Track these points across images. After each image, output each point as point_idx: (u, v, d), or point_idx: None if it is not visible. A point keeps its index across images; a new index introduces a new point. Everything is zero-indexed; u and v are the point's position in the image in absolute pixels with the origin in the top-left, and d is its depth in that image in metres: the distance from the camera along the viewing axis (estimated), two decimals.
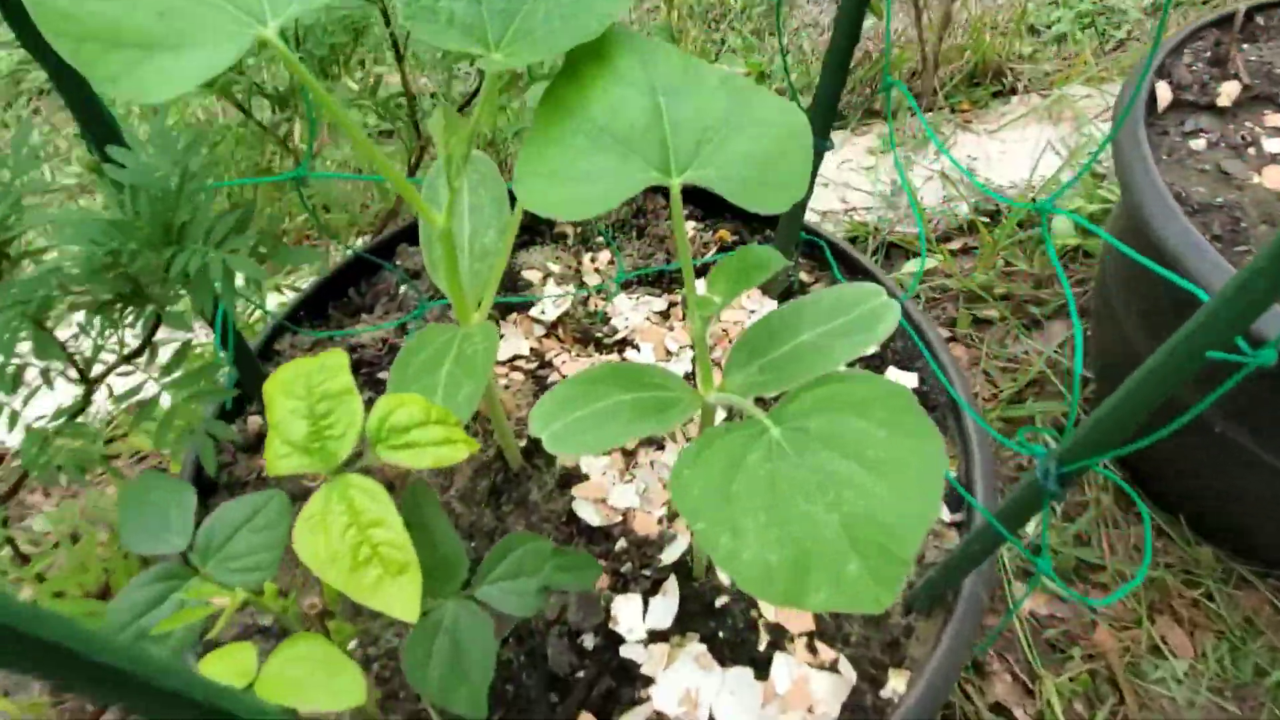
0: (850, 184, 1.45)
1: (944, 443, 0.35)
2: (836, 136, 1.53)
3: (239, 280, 0.51)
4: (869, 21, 1.52)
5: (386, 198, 1.47)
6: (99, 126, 0.53)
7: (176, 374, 0.58)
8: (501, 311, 0.85)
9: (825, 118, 0.68)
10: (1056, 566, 1.06)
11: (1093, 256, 1.29)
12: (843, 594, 0.32)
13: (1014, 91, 1.58)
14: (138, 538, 0.46)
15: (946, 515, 0.68)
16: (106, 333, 0.60)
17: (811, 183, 0.74)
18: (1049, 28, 1.73)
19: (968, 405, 0.70)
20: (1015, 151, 1.46)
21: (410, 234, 0.92)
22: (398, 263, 0.89)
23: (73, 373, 0.60)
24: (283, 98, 0.93)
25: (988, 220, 1.36)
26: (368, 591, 0.40)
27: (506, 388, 0.79)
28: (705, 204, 0.92)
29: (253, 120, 0.87)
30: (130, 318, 0.57)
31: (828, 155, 1.49)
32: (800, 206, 0.78)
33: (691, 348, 0.80)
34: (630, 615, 0.63)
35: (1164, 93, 0.92)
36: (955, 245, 1.36)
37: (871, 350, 0.48)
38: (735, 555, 0.33)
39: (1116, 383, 0.47)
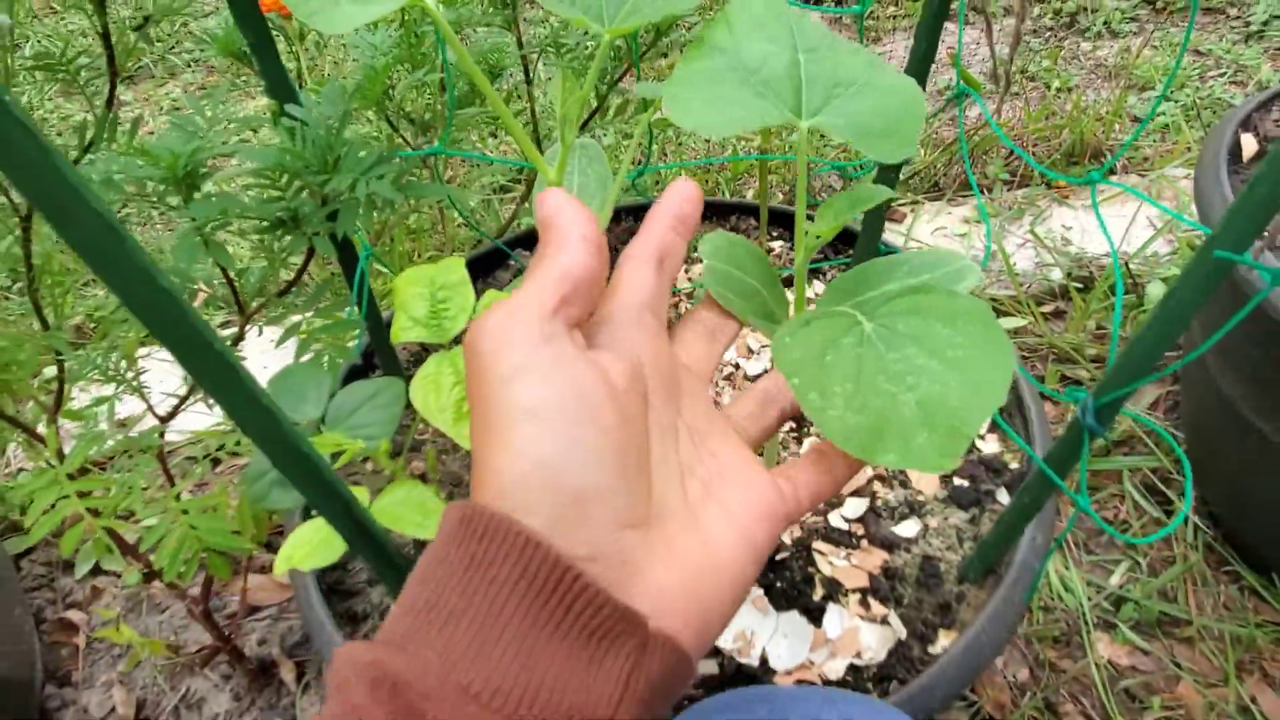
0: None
1: (1015, 355, 0.40)
2: (932, 207, 1.59)
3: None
4: (970, 111, 1.60)
5: (499, 218, 1.61)
6: (282, 89, 0.65)
7: (320, 305, 0.67)
8: None
9: None
10: (1139, 619, 1.03)
11: None
12: (911, 456, 0.36)
13: (1112, 172, 1.61)
14: (283, 406, 0.54)
15: (1005, 498, 0.70)
16: (268, 275, 0.70)
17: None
18: (1153, 119, 1.77)
19: (1024, 372, 0.73)
20: (1112, 225, 1.48)
21: (518, 242, 1.02)
22: (509, 263, 0.99)
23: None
24: (425, 124, 1.06)
25: (1080, 286, 1.38)
26: (466, 439, 0.47)
27: None
28: (791, 227, 0.99)
29: (399, 135, 1.00)
30: (286, 254, 0.67)
31: (922, 220, 1.55)
32: (880, 221, 0.83)
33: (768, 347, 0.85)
34: None
35: (1249, 144, 0.95)
36: (1048, 309, 1.38)
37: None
38: (822, 410, 0.37)
39: (1209, 441, 0.50)
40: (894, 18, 2.31)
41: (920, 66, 0.71)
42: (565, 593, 0.30)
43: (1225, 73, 1.89)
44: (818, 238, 0.52)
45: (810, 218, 0.53)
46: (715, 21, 0.52)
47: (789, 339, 0.41)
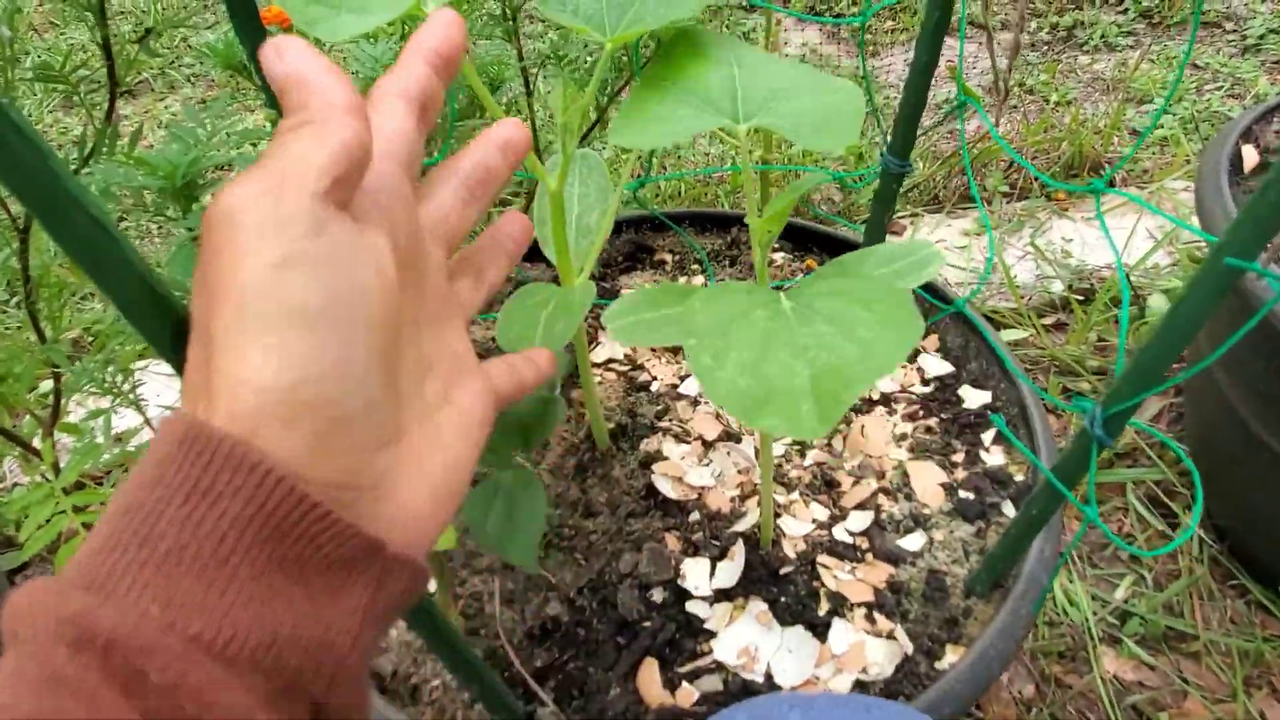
0: (945, 261, 1.49)
1: (921, 335, 0.39)
2: (931, 220, 1.59)
3: None
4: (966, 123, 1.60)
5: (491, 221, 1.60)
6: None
7: None
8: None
9: (906, 136, 0.74)
10: (1145, 634, 1.02)
11: None
12: (789, 424, 0.36)
13: (1111, 184, 1.61)
14: None
15: (1011, 511, 0.70)
16: None
17: (893, 207, 0.80)
18: (1151, 132, 1.77)
19: (1020, 374, 0.72)
20: (1112, 237, 1.48)
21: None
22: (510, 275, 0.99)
23: None
24: (425, 138, 1.06)
25: (1081, 298, 1.38)
26: None
27: (600, 384, 0.86)
28: (794, 239, 0.99)
29: None
30: None
31: (922, 232, 1.55)
32: (881, 234, 0.83)
33: None
34: (698, 575, 0.67)
35: (1250, 155, 0.95)
36: (1049, 321, 1.38)
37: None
38: (711, 372, 0.38)
39: (1215, 453, 0.50)
40: (891, 32, 2.32)
41: (921, 78, 0.71)
42: (308, 529, 0.27)
43: (1223, 86, 1.90)
44: (769, 231, 0.52)
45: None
46: (654, 58, 0.54)
47: (699, 304, 0.42)
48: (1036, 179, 1.58)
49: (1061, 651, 1.02)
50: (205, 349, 0.28)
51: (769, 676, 0.61)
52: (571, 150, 0.58)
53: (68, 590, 0.25)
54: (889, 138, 0.76)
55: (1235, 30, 2.11)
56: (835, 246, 0.96)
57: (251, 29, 0.63)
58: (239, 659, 0.25)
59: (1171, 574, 1.08)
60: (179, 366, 0.32)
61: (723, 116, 0.51)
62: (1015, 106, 1.83)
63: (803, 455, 0.77)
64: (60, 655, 0.23)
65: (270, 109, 0.68)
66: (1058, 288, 1.40)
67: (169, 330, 0.33)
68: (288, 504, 0.26)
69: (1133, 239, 1.44)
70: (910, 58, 0.70)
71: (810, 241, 0.98)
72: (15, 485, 1.37)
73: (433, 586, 0.65)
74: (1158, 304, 1.30)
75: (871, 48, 2.24)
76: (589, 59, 1.00)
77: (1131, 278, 1.36)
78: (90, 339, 1.54)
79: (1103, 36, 2.14)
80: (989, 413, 0.78)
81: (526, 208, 1.19)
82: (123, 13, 2.51)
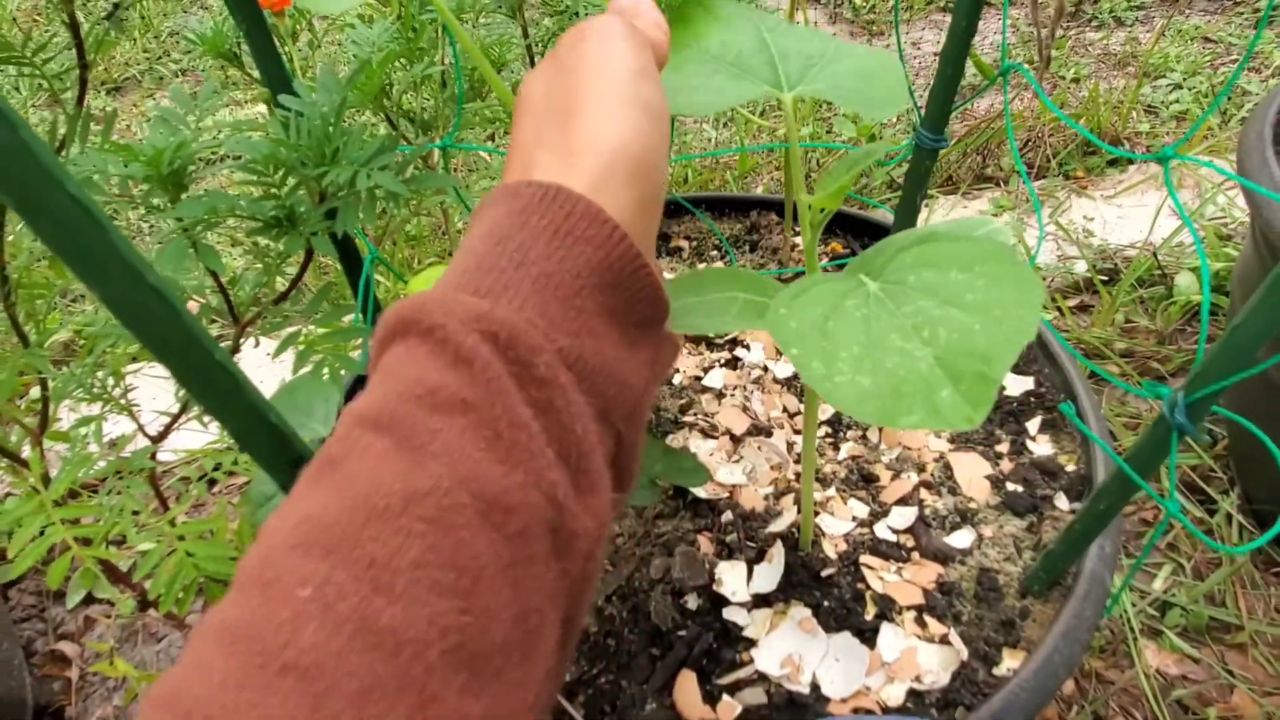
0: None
1: (1044, 289, 0.35)
2: (947, 201, 1.54)
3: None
4: (981, 102, 1.55)
5: None
6: (278, 80, 0.60)
7: (319, 313, 0.62)
8: None
9: (941, 109, 0.70)
10: (1187, 625, 0.98)
11: (1221, 310, 1.24)
12: (935, 415, 0.32)
13: (1131, 161, 1.57)
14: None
15: (1065, 504, 0.66)
16: (262, 281, 0.65)
17: (925, 186, 0.75)
18: (1167, 107, 1.73)
19: (1068, 344, 0.68)
20: (1134, 215, 1.44)
21: None
22: None
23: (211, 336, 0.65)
24: (427, 124, 1.01)
25: (1106, 279, 1.34)
26: None
27: None
28: None
29: (401, 135, 0.95)
30: (282, 258, 0.62)
31: (937, 215, 1.50)
32: (913, 217, 0.79)
33: None
34: (734, 579, 0.63)
35: None
36: (1073, 303, 1.34)
37: None
38: (828, 379, 0.33)
39: (1253, 438, 0.46)
40: (892, 11, 2.27)
41: (959, 45, 0.66)
42: (633, 284, 0.33)
43: (1238, 59, 1.85)
44: (821, 210, 0.47)
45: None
46: (672, 24, 0.50)
47: (784, 310, 0.37)
48: (1055, 157, 1.54)
49: (1101, 646, 0.98)
50: (561, 122, 0.35)
51: (815, 687, 0.57)
52: None
53: (464, 295, 0.30)
54: (922, 111, 0.71)
55: (1248, 2, 2.06)
56: (861, 229, 0.92)
57: (245, 6, 0.59)
58: (583, 376, 0.31)
59: (1211, 562, 1.04)
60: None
61: (764, 84, 0.47)
62: (1026, 85, 1.79)
63: (837, 448, 0.73)
64: (472, 339, 0.28)
65: (267, 89, 0.63)
66: (1081, 268, 1.36)
67: (163, 327, 0.28)
68: (626, 257, 0.33)
69: (1158, 217, 1.40)
70: (914, 38, 0.66)
71: (834, 227, 0.93)
72: (8, 495, 1.32)
73: None
74: (1186, 283, 1.26)
75: (874, 28, 2.19)
76: None
77: (1159, 256, 1.31)
78: (82, 341, 1.49)
79: (1112, 12, 2.09)
80: (1035, 400, 0.74)
81: None
82: (107, 6, 2.45)
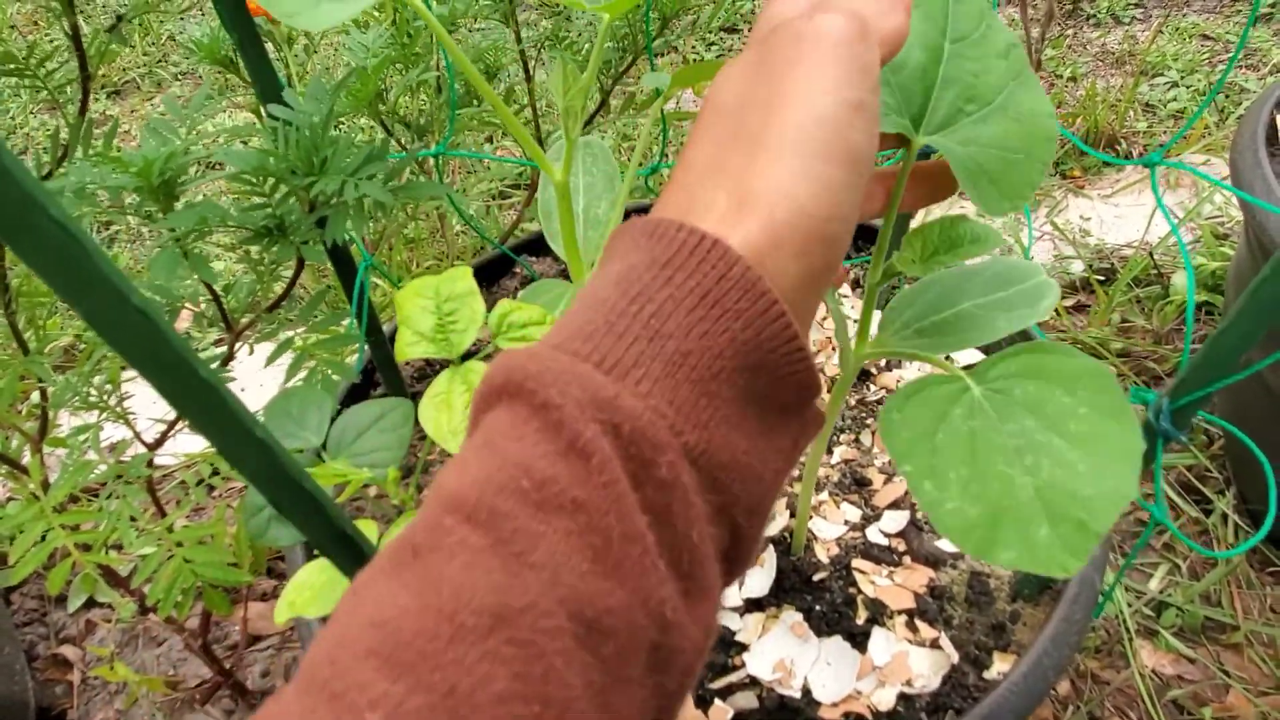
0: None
1: (1142, 437, 0.34)
2: (946, 200, 1.54)
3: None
4: None
5: (499, 225, 1.57)
6: (271, 90, 0.61)
7: (314, 318, 0.63)
8: None
9: None
10: (1182, 625, 0.99)
11: (1216, 309, 1.24)
12: (1031, 555, 0.32)
13: (1128, 158, 1.57)
14: (279, 434, 0.50)
15: None
16: (255, 289, 0.66)
17: None
18: (1165, 105, 1.73)
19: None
20: (1131, 215, 1.44)
21: (523, 248, 0.97)
22: (515, 270, 0.95)
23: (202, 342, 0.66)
24: (422, 129, 1.01)
25: (1102, 279, 1.34)
26: None
27: None
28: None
29: (395, 140, 0.95)
30: (274, 265, 0.62)
31: (936, 213, 1.50)
32: (906, 222, 0.79)
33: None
34: None
35: None
36: (1069, 303, 1.34)
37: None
38: (939, 504, 0.34)
39: (1251, 437, 0.47)
40: None
41: None
42: (782, 368, 0.29)
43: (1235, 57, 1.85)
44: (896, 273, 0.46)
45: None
46: None
47: (897, 415, 0.37)
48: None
49: (1096, 646, 0.98)
50: (746, 151, 0.30)
51: (807, 691, 0.58)
52: (575, 136, 0.54)
53: (586, 366, 0.26)
54: None
55: (1245, 0, 2.06)
56: (859, 232, 0.92)
57: (238, 16, 0.59)
58: (707, 473, 0.27)
59: (1207, 562, 1.04)
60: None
61: (904, 118, 0.41)
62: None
63: (830, 452, 0.73)
64: (591, 430, 0.25)
65: (261, 98, 0.63)
66: (1077, 268, 1.36)
67: (149, 348, 0.29)
68: (780, 339, 0.28)
69: (1153, 217, 1.40)
70: None
71: None
72: (10, 500, 1.33)
73: None
74: (1182, 283, 1.26)
75: None
76: (589, 45, 0.95)
77: (1155, 256, 1.32)
78: (83, 346, 1.50)
79: (1110, 10, 2.09)
80: None
81: (528, 202, 1.14)
82: (105, 10, 2.46)
